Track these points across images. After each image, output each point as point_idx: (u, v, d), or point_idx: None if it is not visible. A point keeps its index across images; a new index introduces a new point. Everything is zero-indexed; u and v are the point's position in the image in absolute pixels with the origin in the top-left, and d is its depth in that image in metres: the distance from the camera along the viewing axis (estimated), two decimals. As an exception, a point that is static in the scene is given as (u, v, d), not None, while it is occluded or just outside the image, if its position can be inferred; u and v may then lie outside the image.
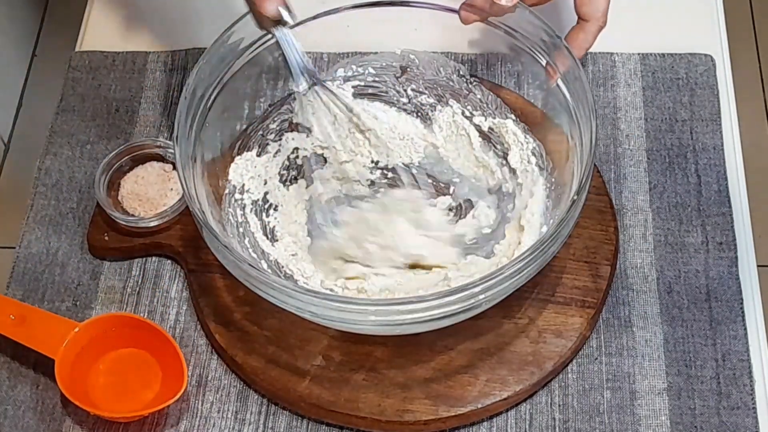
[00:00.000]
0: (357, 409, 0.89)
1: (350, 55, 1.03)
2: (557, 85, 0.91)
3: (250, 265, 0.83)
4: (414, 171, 0.98)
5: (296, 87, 0.92)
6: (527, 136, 0.97)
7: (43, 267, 0.98)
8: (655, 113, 1.04)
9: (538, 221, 0.93)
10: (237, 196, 0.96)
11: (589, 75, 1.06)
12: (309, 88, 0.92)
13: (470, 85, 1.00)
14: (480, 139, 0.98)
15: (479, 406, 0.89)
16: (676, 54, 1.07)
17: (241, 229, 0.94)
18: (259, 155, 0.98)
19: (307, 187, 0.98)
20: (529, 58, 0.94)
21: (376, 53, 1.01)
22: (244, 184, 0.97)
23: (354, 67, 1.01)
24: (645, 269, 0.96)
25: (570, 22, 0.96)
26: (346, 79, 1.00)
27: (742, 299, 0.94)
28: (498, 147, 0.98)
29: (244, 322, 0.93)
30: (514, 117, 0.99)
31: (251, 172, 0.97)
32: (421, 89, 1.00)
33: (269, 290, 0.83)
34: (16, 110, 2.05)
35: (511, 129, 0.98)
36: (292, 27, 0.89)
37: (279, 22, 0.88)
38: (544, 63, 0.92)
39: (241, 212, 0.96)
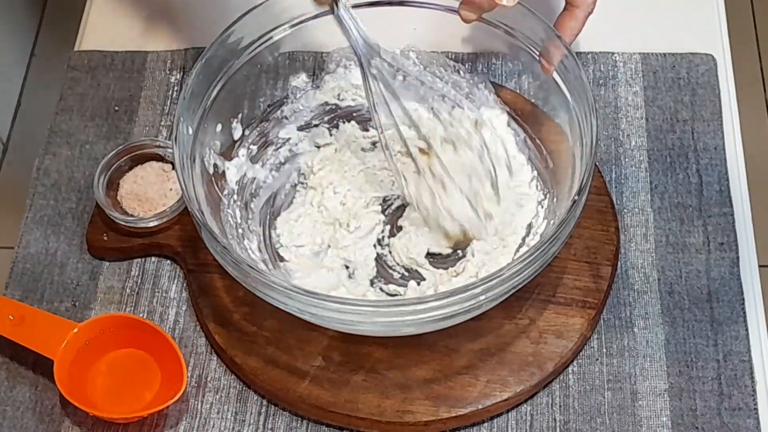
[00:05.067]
0: (357, 409, 0.88)
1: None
2: (557, 84, 0.91)
3: (249, 265, 0.83)
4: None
5: (365, 67, 0.90)
6: (527, 136, 0.97)
7: (42, 267, 0.98)
8: (656, 113, 1.04)
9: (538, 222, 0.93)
10: (236, 196, 0.96)
11: (589, 74, 1.06)
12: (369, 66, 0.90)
13: (469, 85, 1.00)
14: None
15: (480, 406, 0.88)
16: (677, 54, 1.07)
17: (240, 230, 0.94)
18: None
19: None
20: (528, 57, 0.94)
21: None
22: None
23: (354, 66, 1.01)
24: (646, 269, 0.96)
25: (558, 6, 0.96)
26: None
27: (743, 300, 0.94)
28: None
29: (243, 323, 0.92)
30: (514, 116, 0.98)
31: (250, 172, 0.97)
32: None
33: (268, 291, 0.83)
34: (15, 110, 2.04)
35: (511, 129, 0.97)
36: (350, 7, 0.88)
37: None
38: (537, 55, 0.92)
39: (240, 213, 0.95)
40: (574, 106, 0.89)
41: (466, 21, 0.93)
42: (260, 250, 0.94)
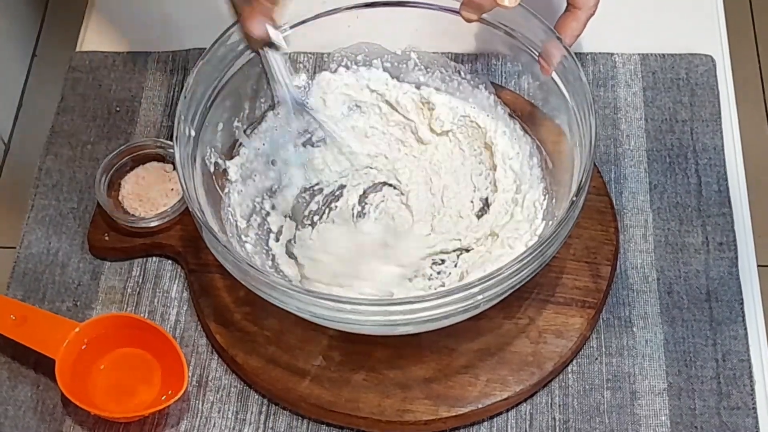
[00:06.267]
0: (357, 409, 0.89)
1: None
2: (557, 85, 0.91)
3: (249, 265, 0.83)
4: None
5: (280, 114, 0.94)
6: (527, 137, 0.97)
7: (43, 267, 0.98)
8: (656, 113, 1.04)
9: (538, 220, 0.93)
10: (236, 196, 0.96)
11: (589, 75, 1.06)
12: (293, 115, 0.93)
13: (470, 85, 1.00)
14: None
15: (479, 406, 0.89)
16: (676, 54, 1.07)
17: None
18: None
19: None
20: (528, 58, 0.94)
21: (376, 53, 1.01)
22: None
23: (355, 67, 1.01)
24: (645, 269, 0.96)
25: (559, 8, 0.96)
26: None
27: (742, 299, 0.94)
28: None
29: (244, 322, 0.93)
30: (514, 117, 0.99)
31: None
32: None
33: (269, 290, 0.83)
34: (17, 110, 2.05)
35: (510, 129, 0.98)
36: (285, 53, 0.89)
37: (269, 44, 0.88)
38: (537, 56, 0.92)
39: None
40: (574, 106, 0.90)
41: (468, 21, 0.93)
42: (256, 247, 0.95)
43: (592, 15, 0.94)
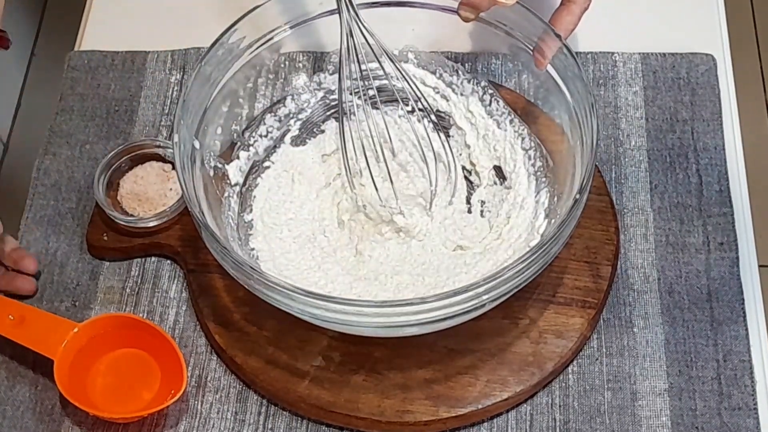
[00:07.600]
0: (357, 409, 0.89)
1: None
2: (557, 84, 0.91)
3: (251, 267, 0.83)
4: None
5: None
6: (527, 137, 0.97)
7: (42, 267, 0.98)
8: (656, 113, 1.04)
9: (537, 222, 0.93)
10: (235, 197, 0.96)
11: (589, 74, 1.06)
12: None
13: (470, 84, 1.00)
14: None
15: (479, 406, 0.88)
16: (677, 53, 1.07)
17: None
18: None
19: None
20: (528, 56, 0.94)
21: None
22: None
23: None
24: (646, 269, 0.96)
25: (557, 4, 0.96)
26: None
27: (743, 299, 0.94)
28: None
29: (243, 323, 0.92)
30: (513, 116, 0.98)
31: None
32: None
33: (269, 292, 0.83)
34: (15, 110, 2.04)
35: (510, 129, 0.97)
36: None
37: None
38: (532, 50, 0.92)
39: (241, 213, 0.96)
40: (574, 106, 0.90)
41: (465, 20, 0.93)
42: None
43: (586, 9, 0.95)
